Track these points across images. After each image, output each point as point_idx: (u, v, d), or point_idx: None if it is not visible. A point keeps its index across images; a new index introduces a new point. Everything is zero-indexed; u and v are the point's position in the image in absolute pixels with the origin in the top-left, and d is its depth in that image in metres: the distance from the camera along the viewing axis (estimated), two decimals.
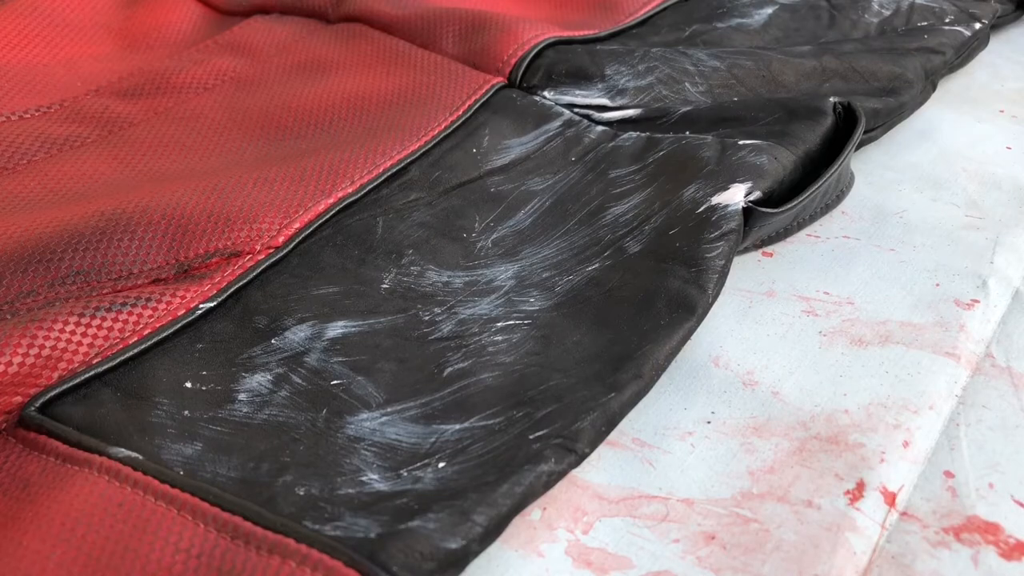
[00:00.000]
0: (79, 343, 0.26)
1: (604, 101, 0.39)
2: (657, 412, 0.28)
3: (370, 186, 0.33)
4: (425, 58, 0.41)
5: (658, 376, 0.27)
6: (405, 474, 0.23)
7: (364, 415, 0.25)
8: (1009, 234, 0.35)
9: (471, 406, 0.25)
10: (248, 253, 0.30)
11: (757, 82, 0.41)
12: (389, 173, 0.34)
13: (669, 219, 0.32)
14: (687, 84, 0.40)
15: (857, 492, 0.25)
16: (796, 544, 0.23)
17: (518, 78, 0.40)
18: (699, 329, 0.29)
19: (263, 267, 0.29)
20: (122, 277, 0.28)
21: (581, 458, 0.24)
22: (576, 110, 0.39)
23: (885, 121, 0.40)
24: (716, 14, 0.47)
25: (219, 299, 0.28)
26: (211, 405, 0.25)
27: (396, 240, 0.32)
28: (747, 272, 0.33)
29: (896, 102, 0.40)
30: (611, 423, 0.25)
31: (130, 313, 0.27)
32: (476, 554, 0.22)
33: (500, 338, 0.28)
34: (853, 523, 0.24)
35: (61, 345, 0.26)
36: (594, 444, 0.24)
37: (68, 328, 0.26)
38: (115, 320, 0.27)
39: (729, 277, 0.30)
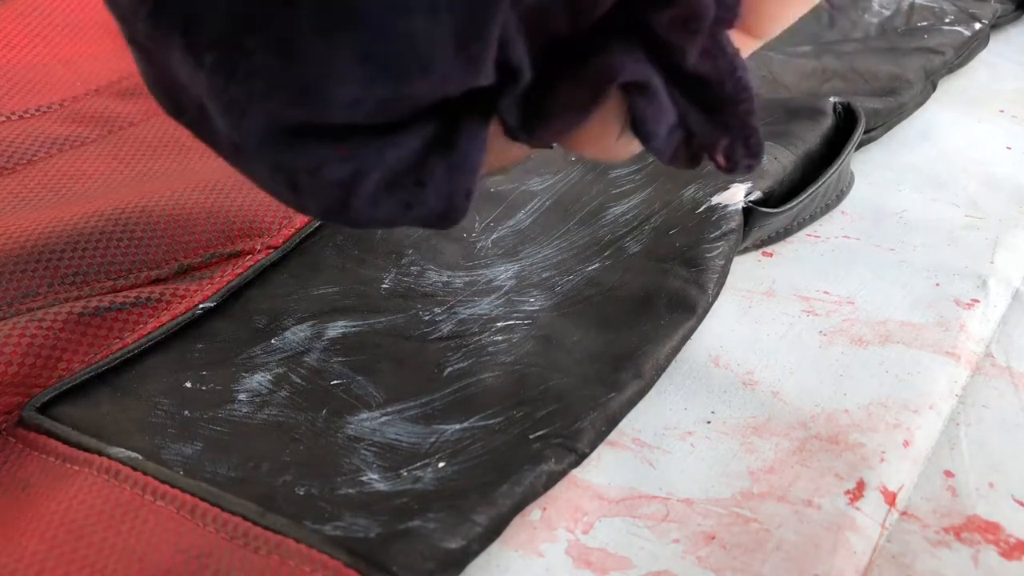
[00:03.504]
0: (79, 343, 0.26)
1: None
2: (657, 412, 0.28)
3: None
4: None
5: (658, 376, 0.27)
6: (405, 474, 0.23)
7: (364, 415, 0.25)
8: (1009, 234, 0.35)
9: (471, 406, 0.25)
10: (248, 253, 0.30)
11: (757, 82, 0.41)
12: None
13: (669, 219, 0.32)
14: None
15: (857, 492, 0.25)
16: (796, 544, 0.23)
17: None
18: (699, 329, 0.29)
19: (263, 267, 0.29)
20: (122, 277, 0.28)
21: (581, 458, 0.24)
22: None
23: (885, 121, 0.40)
24: None
25: (219, 299, 0.28)
26: (211, 405, 0.25)
27: (396, 240, 0.32)
28: (747, 272, 0.33)
29: (896, 102, 0.40)
30: (611, 423, 0.25)
31: (130, 313, 0.27)
32: (476, 554, 0.22)
33: (500, 338, 0.28)
34: (853, 523, 0.24)
35: (61, 345, 0.26)
36: (594, 444, 0.24)
37: (68, 328, 0.26)
38: (115, 320, 0.27)
39: (729, 277, 0.30)
